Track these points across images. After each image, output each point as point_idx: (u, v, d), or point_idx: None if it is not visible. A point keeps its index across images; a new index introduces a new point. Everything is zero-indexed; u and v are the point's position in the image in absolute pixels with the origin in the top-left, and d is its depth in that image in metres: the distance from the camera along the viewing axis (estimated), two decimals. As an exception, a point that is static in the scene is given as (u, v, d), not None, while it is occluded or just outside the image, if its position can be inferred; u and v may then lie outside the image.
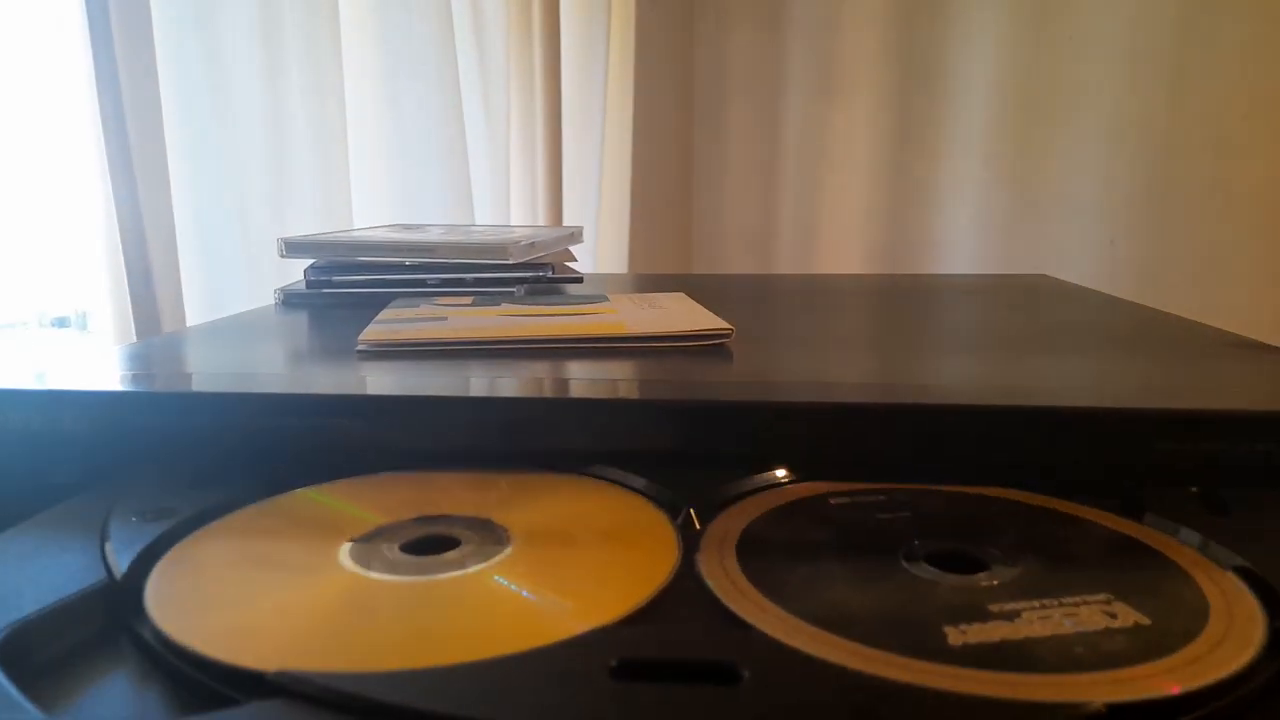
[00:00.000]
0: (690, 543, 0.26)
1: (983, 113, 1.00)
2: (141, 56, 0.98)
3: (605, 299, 0.55)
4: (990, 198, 1.01)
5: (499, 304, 0.54)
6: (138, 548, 0.25)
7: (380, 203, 1.02)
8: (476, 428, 0.33)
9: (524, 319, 0.48)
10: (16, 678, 0.19)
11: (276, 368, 0.42)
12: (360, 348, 0.42)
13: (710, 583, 0.23)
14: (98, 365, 0.40)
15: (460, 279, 0.60)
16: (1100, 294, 0.65)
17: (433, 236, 0.66)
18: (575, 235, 0.74)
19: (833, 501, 0.29)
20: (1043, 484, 0.30)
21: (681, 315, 0.48)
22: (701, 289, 0.59)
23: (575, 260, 0.73)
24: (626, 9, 1.03)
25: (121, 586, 0.24)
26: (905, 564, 0.25)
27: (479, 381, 0.38)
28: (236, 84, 1.00)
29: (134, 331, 1.03)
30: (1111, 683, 0.19)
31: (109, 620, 0.23)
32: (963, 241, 1.03)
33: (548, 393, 0.36)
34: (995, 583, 0.24)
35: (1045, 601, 0.22)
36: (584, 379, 0.39)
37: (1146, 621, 0.21)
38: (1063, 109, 0.98)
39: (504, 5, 1.02)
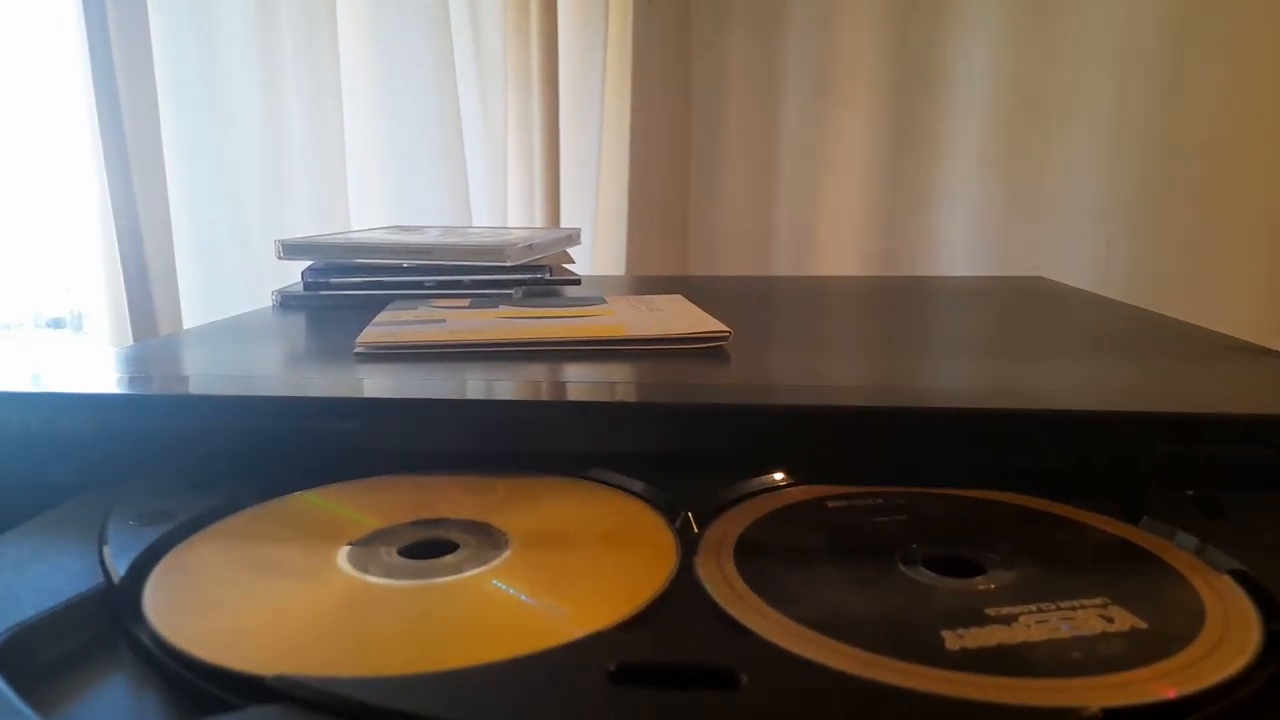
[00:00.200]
0: (688, 546, 0.26)
1: (980, 114, 1.01)
2: (138, 57, 0.98)
3: (603, 301, 0.55)
4: (987, 199, 1.01)
5: (497, 306, 0.54)
6: (136, 551, 0.25)
7: (377, 204, 1.02)
8: (474, 431, 0.33)
9: (522, 321, 0.48)
10: (15, 681, 0.19)
11: (274, 370, 0.43)
12: (358, 350, 0.42)
13: (708, 587, 0.23)
14: (96, 367, 0.40)
15: (458, 281, 0.60)
16: (1096, 296, 0.65)
17: (430, 238, 0.66)
18: (573, 237, 0.74)
19: (830, 505, 0.30)
20: (1039, 487, 0.30)
21: (679, 317, 0.48)
22: (699, 291, 0.60)
23: (573, 262, 0.73)
24: (624, 10, 1.03)
25: (120, 590, 0.24)
26: (902, 568, 0.25)
27: (477, 384, 0.38)
28: (233, 85, 1.00)
29: (130, 333, 1.03)
30: (1108, 687, 0.19)
31: (107, 624, 0.23)
32: (959, 242, 1.03)
33: (546, 396, 0.36)
34: (992, 587, 0.24)
35: (1042, 606, 0.22)
36: (582, 382, 0.39)
37: (1143, 625, 0.21)
38: (1059, 110, 0.98)
39: (501, 7, 1.02)
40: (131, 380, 0.38)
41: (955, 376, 0.42)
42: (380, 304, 0.55)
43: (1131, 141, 0.96)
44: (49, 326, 1.58)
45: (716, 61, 1.07)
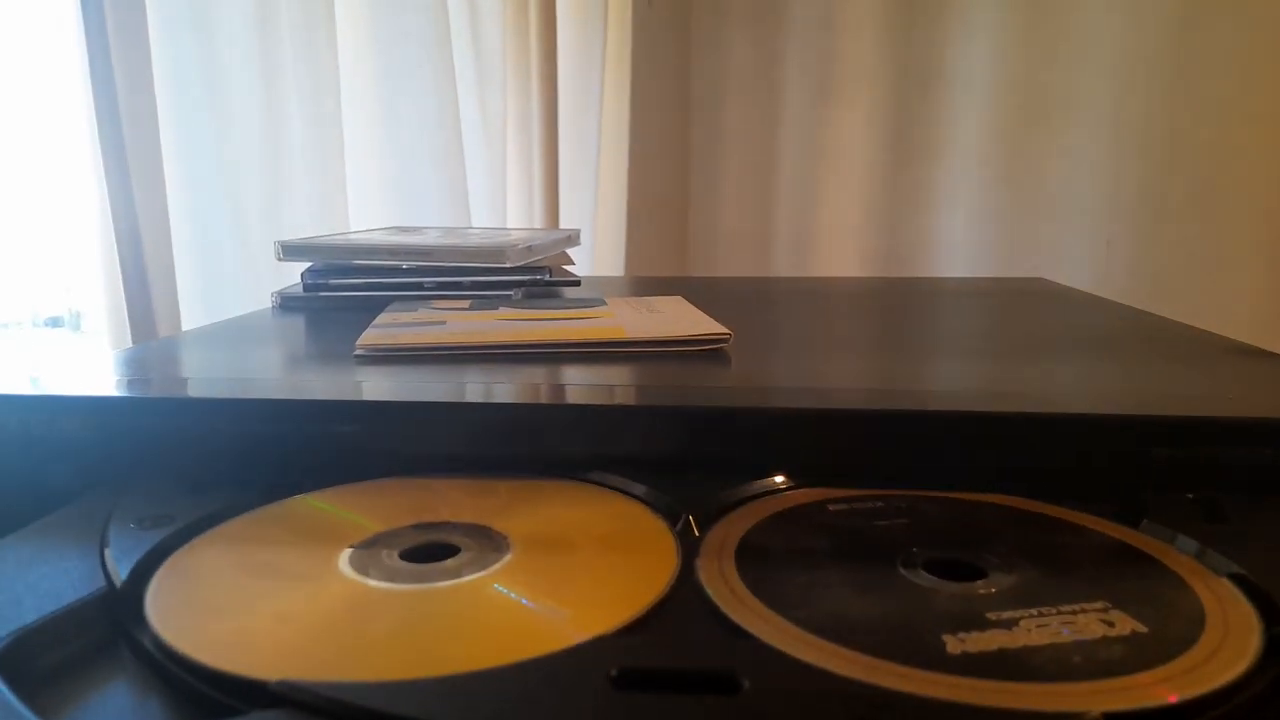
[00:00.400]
0: (689, 550, 0.26)
1: (980, 114, 1.01)
2: (137, 56, 0.98)
3: (603, 303, 0.55)
4: (987, 199, 1.01)
5: (497, 307, 0.54)
6: (137, 555, 0.25)
7: (376, 204, 1.02)
8: (475, 434, 0.33)
9: (522, 323, 0.48)
10: (17, 686, 0.19)
11: (275, 373, 0.43)
12: (358, 352, 0.42)
13: (710, 590, 0.24)
14: (95, 370, 0.40)
15: (457, 282, 0.60)
16: (1097, 298, 0.66)
17: (430, 239, 0.66)
18: (572, 238, 0.74)
19: (831, 508, 0.30)
20: (1039, 490, 0.30)
21: (679, 320, 0.48)
22: (699, 292, 0.60)
23: (573, 263, 0.73)
24: (623, 9, 1.03)
25: (122, 594, 0.24)
26: (903, 571, 0.25)
27: (478, 387, 0.38)
28: (232, 85, 1.00)
29: (129, 332, 1.03)
30: (1109, 692, 0.19)
31: (109, 628, 0.23)
32: (960, 243, 1.03)
33: (547, 399, 0.36)
34: (993, 590, 0.24)
35: (1043, 610, 0.22)
36: (583, 384, 0.39)
37: (1143, 630, 0.21)
38: (1060, 110, 0.98)
39: (500, 6, 1.02)
40: (131, 383, 0.38)
41: (956, 379, 0.42)
42: (380, 305, 0.55)
43: (1132, 141, 0.96)
44: (47, 325, 1.58)
45: (716, 62, 1.07)
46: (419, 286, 0.60)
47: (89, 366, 0.40)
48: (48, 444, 0.33)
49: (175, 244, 1.03)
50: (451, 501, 0.30)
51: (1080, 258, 0.98)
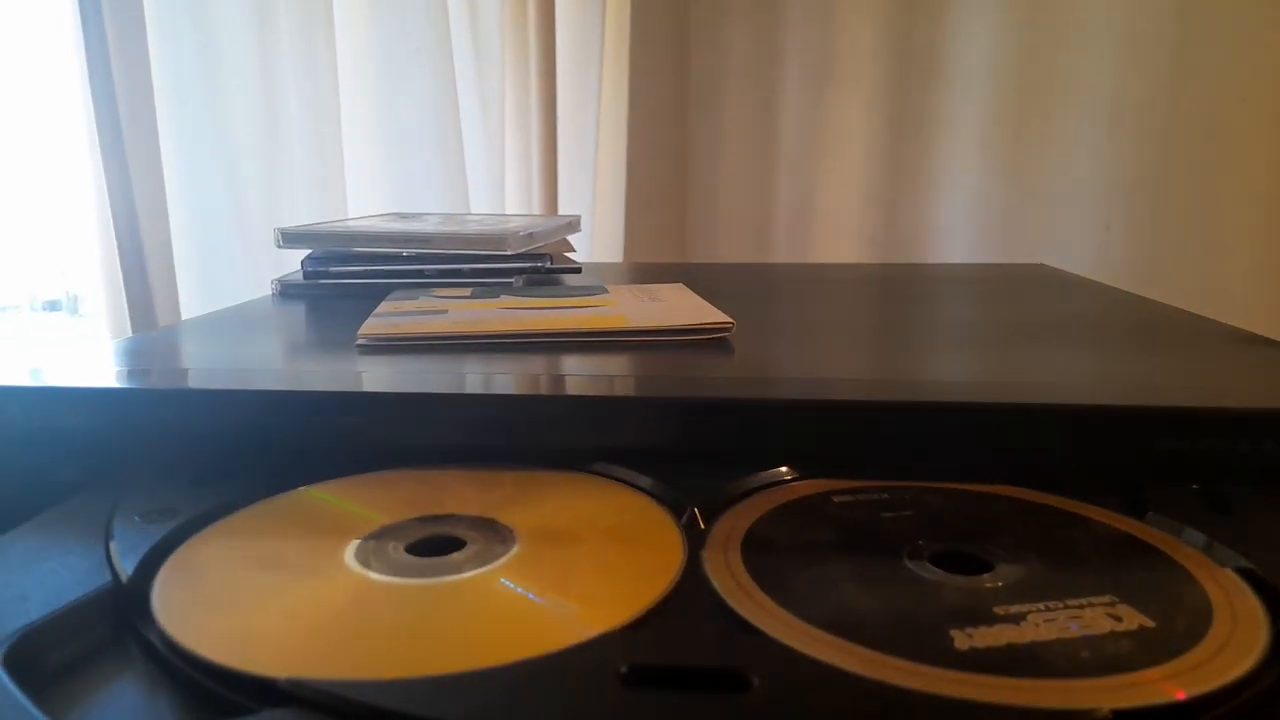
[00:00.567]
0: (695, 542, 0.26)
1: (980, 98, 1.00)
2: (133, 42, 0.97)
3: (604, 290, 0.55)
4: (987, 183, 1.01)
5: (498, 295, 0.54)
6: (143, 550, 0.25)
7: (375, 189, 1.02)
8: (479, 425, 0.33)
9: (524, 312, 0.48)
10: (26, 684, 0.19)
11: (276, 363, 0.42)
12: (360, 342, 0.42)
13: (716, 584, 0.24)
14: (97, 361, 0.40)
15: (458, 270, 0.60)
16: (1098, 284, 0.65)
17: (430, 226, 0.66)
18: (573, 224, 0.74)
19: (836, 500, 0.30)
20: (1043, 481, 0.30)
21: (682, 308, 0.48)
22: (699, 279, 0.59)
23: (573, 250, 0.73)
24: (622, -7, 1.02)
25: (128, 590, 0.24)
26: (910, 564, 0.25)
27: (481, 378, 0.38)
28: (229, 71, 0.99)
29: (127, 315, 1.03)
30: (1117, 688, 0.19)
31: (116, 624, 0.23)
32: (960, 227, 1.03)
33: (550, 390, 0.36)
34: (1000, 584, 0.24)
35: (1050, 604, 0.22)
36: (586, 375, 0.39)
37: (1151, 624, 0.21)
38: (1060, 94, 0.98)
39: (498, -10, 1.01)
40: (132, 374, 0.38)
41: (959, 368, 0.42)
42: (380, 293, 0.55)
43: (1133, 125, 0.95)
44: (45, 309, 1.58)
45: (715, 46, 1.06)
46: (420, 274, 0.60)
47: (90, 358, 0.40)
48: (50, 436, 0.33)
49: (173, 229, 1.03)
50: (456, 494, 0.30)
51: (1079, 241, 0.98)
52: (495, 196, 1.04)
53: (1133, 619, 0.22)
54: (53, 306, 1.58)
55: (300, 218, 1.01)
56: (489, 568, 0.25)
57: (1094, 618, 0.22)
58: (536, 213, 1.00)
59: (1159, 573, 0.25)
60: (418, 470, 0.32)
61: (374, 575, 0.24)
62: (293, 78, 0.99)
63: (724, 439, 0.33)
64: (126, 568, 0.24)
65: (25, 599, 0.22)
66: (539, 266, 0.62)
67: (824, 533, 0.27)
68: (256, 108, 1.00)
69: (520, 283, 0.60)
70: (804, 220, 1.07)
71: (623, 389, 0.36)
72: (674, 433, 0.33)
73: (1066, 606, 0.22)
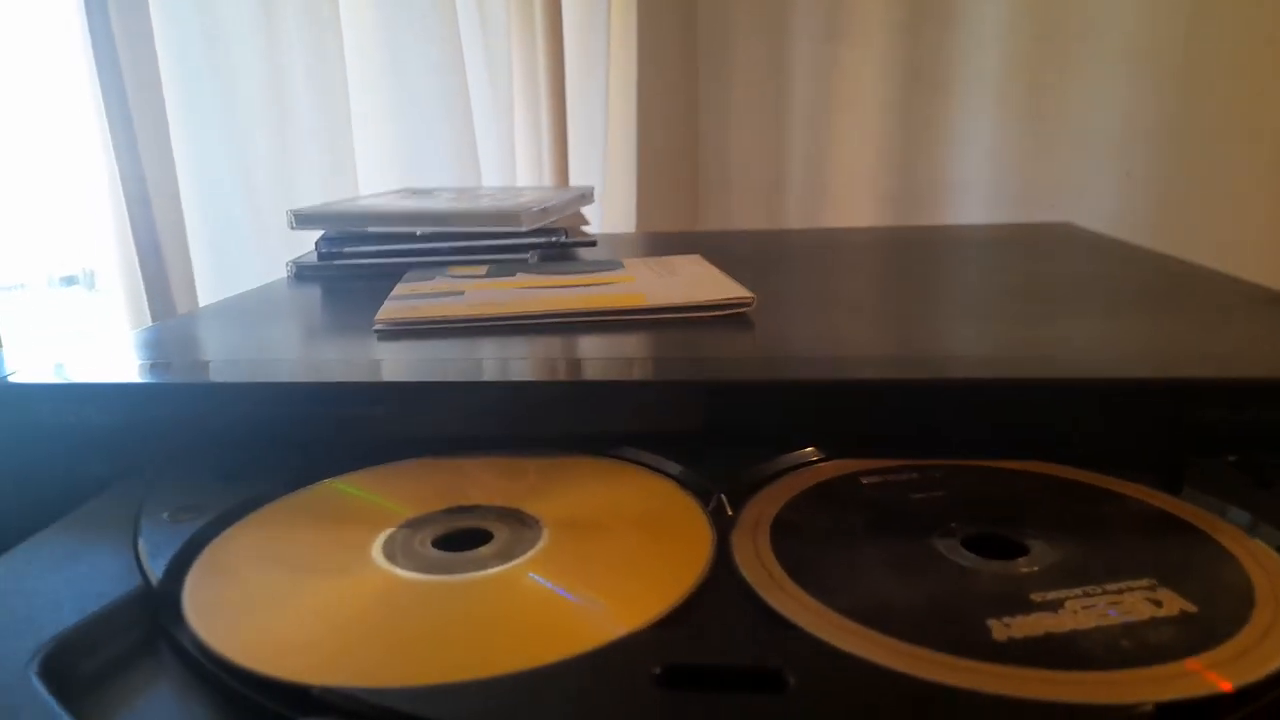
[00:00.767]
0: (723, 530, 0.26)
1: (996, 47, 0.98)
2: (138, 20, 0.96)
3: (620, 265, 0.54)
4: (1005, 134, 0.99)
5: (514, 273, 0.53)
6: (172, 550, 0.25)
7: (385, 163, 1.01)
8: (502, 411, 0.33)
9: (541, 291, 0.47)
10: (61, 693, 0.19)
11: (295, 352, 0.42)
12: (378, 327, 0.42)
13: (747, 575, 0.23)
14: (119, 355, 0.39)
15: (472, 246, 0.60)
16: (1126, 244, 0.64)
17: (443, 203, 0.65)
18: (586, 196, 0.73)
19: (864, 481, 0.29)
20: (1075, 456, 0.30)
21: (701, 283, 0.48)
22: (715, 249, 0.59)
23: (587, 222, 0.72)
24: (628, -43, 1.00)
25: (159, 592, 0.24)
26: (943, 549, 0.24)
27: (502, 364, 0.37)
28: (235, 47, 0.98)
29: (144, 292, 1.03)
30: (1160, 680, 0.19)
31: (149, 628, 0.23)
32: (977, 180, 1.01)
33: (571, 375, 0.36)
34: (1035, 569, 0.23)
35: (1088, 589, 0.22)
36: (608, 358, 0.39)
37: (1192, 609, 0.21)
38: (1077, 40, 0.95)
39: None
40: (154, 368, 0.38)
41: (987, 340, 0.41)
42: (396, 272, 0.54)
43: (1153, 71, 0.93)
44: (62, 285, 1.59)
45: (722, 6, 1.04)
46: (434, 252, 0.59)
47: (110, 350, 0.40)
48: (73, 432, 0.33)
49: (185, 205, 1.03)
50: (481, 483, 0.30)
51: (1100, 189, 0.96)
52: (505, 165, 1.03)
53: (1173, 604, 0.21)
54: (70, 282, 1.59)
55: (311, 191, 1.00)
56: (517, 562, 0.25)
57: (1133, 603, 0.21)
58: (547, 183, 0.99)
59: (1197, 551, 0.24)
60: (442, 459, 0.32)
61: (402, 573, 0.24)
62: (299, 48, 0.98)
63: (748, 420, 0.32)
64: (156, 570, 0.24)
65: (58, 606, 0.23)
66: (554, 241, 0.61)
67: (854, 517, 0.27)
68: (264, 82, 0.99)
69: (535, 258, 0.59)
70: (819, 180, 1.06)
71: (643, 372, 0.36)
72: (697, 415, 0.32)
73: (1105, 592, 0.22)
